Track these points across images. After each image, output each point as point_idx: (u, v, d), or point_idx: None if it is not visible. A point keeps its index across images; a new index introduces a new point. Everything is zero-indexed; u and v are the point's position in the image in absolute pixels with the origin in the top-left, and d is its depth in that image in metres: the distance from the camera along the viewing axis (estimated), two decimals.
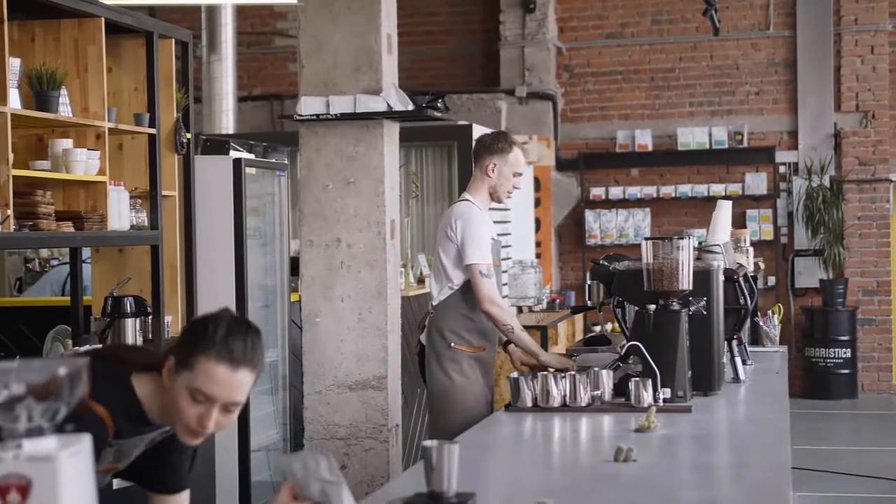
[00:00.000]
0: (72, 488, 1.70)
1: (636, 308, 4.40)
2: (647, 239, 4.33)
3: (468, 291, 5.08)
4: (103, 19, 5.13)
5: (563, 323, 9.80)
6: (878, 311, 12.38)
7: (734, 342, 4.93)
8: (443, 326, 5.14)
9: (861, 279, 12.36)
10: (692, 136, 12.55)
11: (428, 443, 2.71)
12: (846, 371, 12.05)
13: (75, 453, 1.72)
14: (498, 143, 5.22)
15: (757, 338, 6.33)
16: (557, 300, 10.54)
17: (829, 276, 12.15)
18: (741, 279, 4.92)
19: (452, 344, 5.10)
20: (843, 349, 12.00)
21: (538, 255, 11.96)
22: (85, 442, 1.75)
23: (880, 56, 12.35)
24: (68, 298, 5.78)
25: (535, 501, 2.56)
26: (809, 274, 12.35)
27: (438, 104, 5.72)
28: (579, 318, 10.75)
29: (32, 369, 1.75)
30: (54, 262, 8.23)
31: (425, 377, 5.27)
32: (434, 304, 5.22)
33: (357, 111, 5.45)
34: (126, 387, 2.64)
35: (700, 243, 5.26)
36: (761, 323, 6.21)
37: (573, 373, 4.20)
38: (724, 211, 5.47)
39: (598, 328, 9.89)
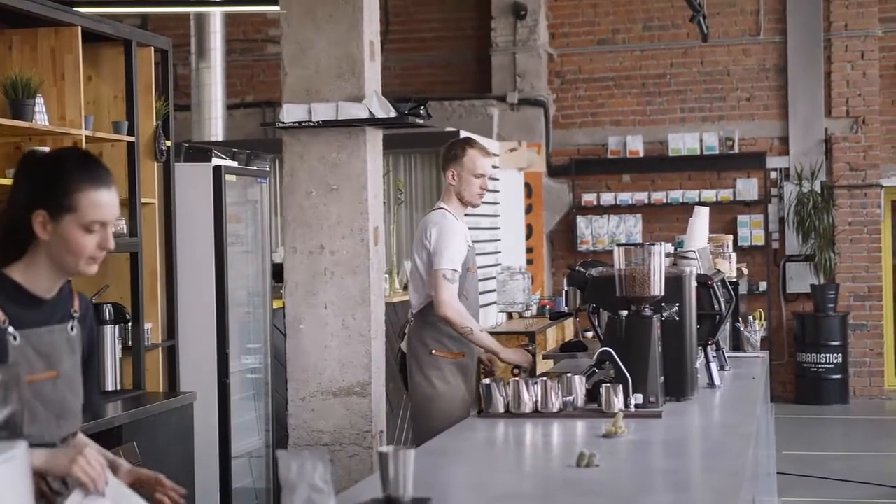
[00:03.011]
0: (4, 494, 1.71)
1: (609, 314, 4.41)
2: (619, 245, 4.34)
3: None
4: (80, 28, 5.15)
5: (552, 329, 9.80)
6: (869, 316, 12.39)
7: (710, 348, 4.93)
8: (423, 334, 5.21)
9: (852, 284, 12.37)
10: (683, 142, 12.56)
11: (383, 449, 2.73)
12: (837, 376, 12.05)
13: (8, 459, 1.73)
14: (452, 150, 5.33)
15: (739, 344, 6.33)
16: (548, 306, 10.54)
17: (821, 282, 12.16)
18: (717, 285, 4.93)
19: (433, 351, 5.17)
20: (835, 354, 12.01)
21: (530, 262, 11.98)
22: (20, 448, 1.77)
23: (870, 61, 12.37)
24: None
25: None
26: (801, 279, 12.36)
27: (421, 111, 5.73)
28: (569, 323, 10.76)
29: None
30: None
31: (407, 384, 5.33)
32: (413, 311, 5.29)
33: (339, 118, 5.46)
34: None
35: (676, 249, 5.28)
36: (742, 329, 6.21)
37: (545, 379, 4.22)
38: (701, 217, 5.49)
39: (590, 334, 9.89)
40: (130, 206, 5.60)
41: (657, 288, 4.26)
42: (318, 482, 2.37)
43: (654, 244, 4.31)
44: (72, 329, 2.80)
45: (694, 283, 4.57)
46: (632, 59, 12.85)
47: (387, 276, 8.12)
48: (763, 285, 12.34)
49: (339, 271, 5.51)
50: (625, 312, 4.26)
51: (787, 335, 12.43)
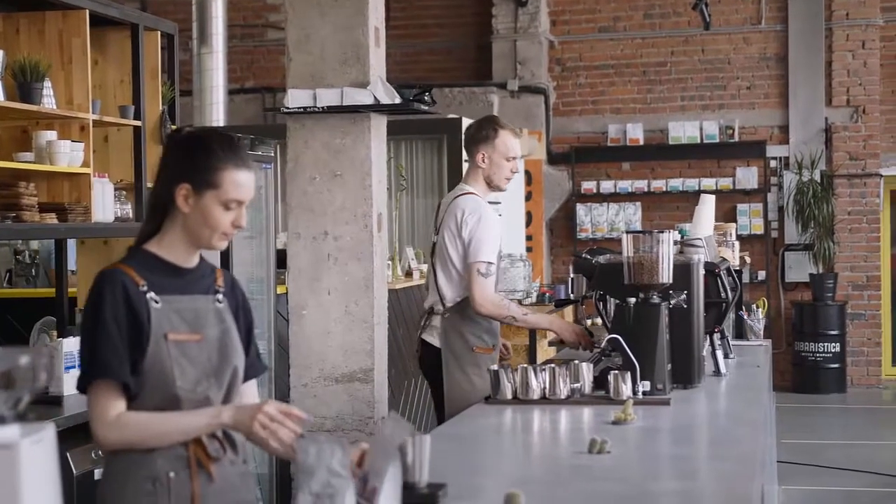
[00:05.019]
0: (33, 476, 1.71)
1: (616, 301, 4.42)
2: (627, 232, 4.34)
3: None
4: (87, 11, 5.14)
5: (553, 316, 9.81)
6: (867, 305, 12.42)
7: (716, 336, 4.93)
8: (463, 329, 5.05)
9: (851, 274, 12.40)
10: (683, 131, 12.57)
11: None
12: (835, 365, 12.08)
13: (37, 441, 1.73)
14: (482, 130, 5.14)
15: (742, 332, 6.34)
16: (547, 294, 10.55)
17: (819, 271, 12.18)
18: (723, 273, 4.93)
19: (475, 348, 5.03)
20: (833, 343, 12.04)
21: (529, 249, 11.98)
22: (48, 430, 1.77)
23: (871, 51, 12.37)
24: (54, 290, 5.79)
25: (505, 492, 2.58)
26: (799, 268, 12.38)
27: (425, 98, 5.72)
28: (570, 311, 10.77)
29: None
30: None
31: (437, 379, 5.15)
32: (448, 304, 5.09)
33: (344, 104, 5.45)
34: (137, 252, 2.85)
35: (683, 237, 5.28)
36: (745, 317, 6.22)
37: (553, 365, 4.22)
38: (707, 205, 5.49)
39: (588, 322, 9.90)
40: (136, 190, 5.59)
41: (665, 275, 4.26)
42: (336, 467, 2.37)
43: (662, 232, 4.31)
44: (218, 302, 2.91)
45: (702, 271, 4.57)
46: (632, 47, 12.84)
47: (389, 262, 8.12)
48: (762, 274, 12.36)
49: (342, 257, 5.50)
50: (633, 300, 4.27)
51: (785, 324, 12.45)
